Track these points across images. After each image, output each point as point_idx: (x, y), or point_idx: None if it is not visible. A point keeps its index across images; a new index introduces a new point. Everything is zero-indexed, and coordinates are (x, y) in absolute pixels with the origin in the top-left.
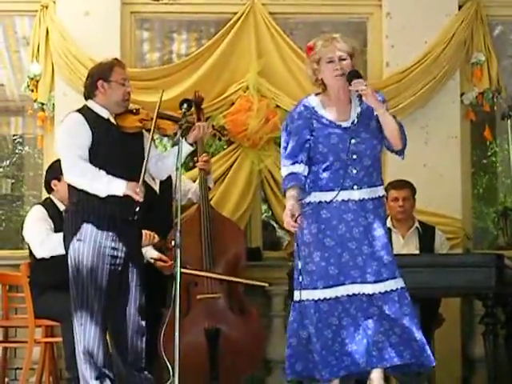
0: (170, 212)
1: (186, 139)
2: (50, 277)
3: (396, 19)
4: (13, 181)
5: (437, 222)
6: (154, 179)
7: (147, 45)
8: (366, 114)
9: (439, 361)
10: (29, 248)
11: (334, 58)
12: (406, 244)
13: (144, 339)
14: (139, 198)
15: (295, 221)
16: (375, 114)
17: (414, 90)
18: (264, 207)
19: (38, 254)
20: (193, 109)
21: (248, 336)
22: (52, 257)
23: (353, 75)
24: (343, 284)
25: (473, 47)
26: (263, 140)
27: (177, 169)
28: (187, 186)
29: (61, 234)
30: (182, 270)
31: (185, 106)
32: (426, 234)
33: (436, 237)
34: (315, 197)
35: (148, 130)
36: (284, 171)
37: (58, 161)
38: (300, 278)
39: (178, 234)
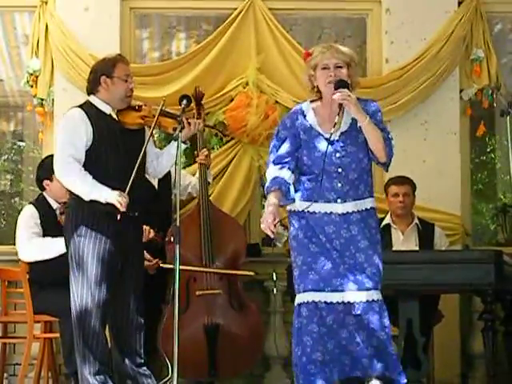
0: (170, 207)
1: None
2: (49, 274)
3: (395, 15)
4: (12, 176)
5: (436, 218)
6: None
7: (146, 40)
8: (356, 125)
9: (438, 357)
10: None
11: (328, 64)
12: (406, 240)
13: (143, 335)
14: (122, 207)
15: (274, 226)
16: (358, 125)
17: (413, 86)
18: (263, 203)
19: (20, 257)
20: (193, 104)
21: (247, 332)
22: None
23: (340, 84)
24: (323, 290)
25: (472, 44)
26: (262, 136)
27: (176, 164)
28: (187, 181)
29: (46, 240)
30: (168, 266)
31: (184, 101)
32: (426, 231)
33: (435, 233)
34: (299, 206)
35: (149, 127)
36: (270, 173)
37: (49, 157)
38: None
39: (177, 230)
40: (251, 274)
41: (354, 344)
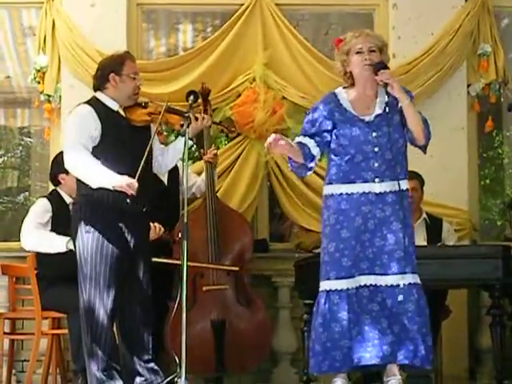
0: (178, 204)
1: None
2: (57, 270)
3: (402, 10)
4: (19, 173)
5: (443, 213)
6: (163, 174)
7: (153, 36)
8: (391, 107)
9: (446, 352)
10: None
11: (363, 48)
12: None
13: (151, 331)
14: (131, 191)
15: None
16: (399, 106)
17: (420, 81)
18: (271, 199)
19: (22, 244)
20: (200, 100)
21: (254, 327)
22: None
23: (380, 66)
24: (353, 276)
25: (479, 38)
26: (270, 132)
27: (183, 160)
28: (191, 181)
29: (50, 234)
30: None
31: (191, 97)
32: (434, 226)
33: (443, 228)
34: (337, 189)
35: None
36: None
37: (62, 153)
38: (321, 269)
39: (184, 226)
40: (236, 269)
41: (376, 330)
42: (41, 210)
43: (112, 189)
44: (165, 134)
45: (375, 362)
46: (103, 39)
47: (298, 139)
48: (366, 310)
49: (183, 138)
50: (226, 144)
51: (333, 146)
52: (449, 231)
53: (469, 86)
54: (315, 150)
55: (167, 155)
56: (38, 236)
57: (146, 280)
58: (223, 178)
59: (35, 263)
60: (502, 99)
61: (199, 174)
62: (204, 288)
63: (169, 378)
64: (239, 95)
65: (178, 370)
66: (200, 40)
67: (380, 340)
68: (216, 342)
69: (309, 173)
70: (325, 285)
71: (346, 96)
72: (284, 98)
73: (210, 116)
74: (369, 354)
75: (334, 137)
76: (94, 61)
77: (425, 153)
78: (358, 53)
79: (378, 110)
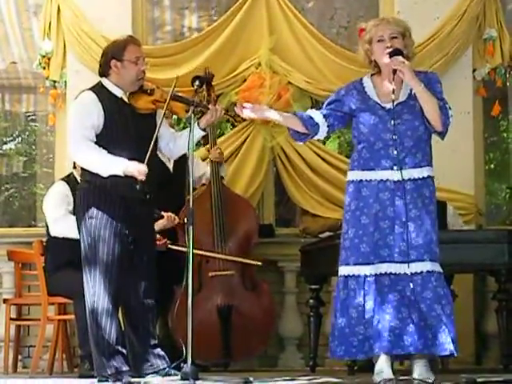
0: (183, 190)
1: (198, 124)
2: (65, 254)
3: None
4: (25, 158)
5: (449, 197)
6: (169, 160)
7: (159, 21)
8: (414, 95)
9: None
10: (46, 225)
11: (384, 35)
12: None
13: (156, 316)
14: (142, 177)
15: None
16: (413, 92)
17: (426, 65)
18: (276, 184)
19: (51, 231)
20: (204, 86)
21: (260, 312)
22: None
23: (394, 52)
24: (372, 263)
25: (485, 23)
26: None
27: (188, 148)
28: (201, 171)
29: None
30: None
31: (197, 82)
32: (438, 210)
33: (448, 212)
34: (357, 175)
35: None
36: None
37: None
38: (340, 255)
39: (190, 212)
40: (259, 264)
41: (397, 320)
42: (63, 192)
43: (123, 175)
44: (171, 121)
45: (396, 353)
46: (108, 24)
47: (310, 111)
48: (387, 299)
49: (195, 129)
50: (231, 129)
51: (355, 133)
52: (454, 215)
53: (474, 70)
54: (320, 119)
55: (180, 141)
56: (67, 222)
57: (150, 265)
58: (229, 163)
59: (41, 249)
60: (508, 84)
61: (205, 159)
62: (210, 273)
63: (175, 364)
64: (245, 80)
65: (184, 356)
66: (205, 25)
67: (400, 330)
68: (222, 328)
69: (307, 138)
70: (343, 270)
71: (371, 84)
72: (289, 82)
73: (214, 101)
74: (390, 343)
75: (354, 125)
76: (99, 46)
77: (442, 139)
78: (379, 41)
79: (403, 97)
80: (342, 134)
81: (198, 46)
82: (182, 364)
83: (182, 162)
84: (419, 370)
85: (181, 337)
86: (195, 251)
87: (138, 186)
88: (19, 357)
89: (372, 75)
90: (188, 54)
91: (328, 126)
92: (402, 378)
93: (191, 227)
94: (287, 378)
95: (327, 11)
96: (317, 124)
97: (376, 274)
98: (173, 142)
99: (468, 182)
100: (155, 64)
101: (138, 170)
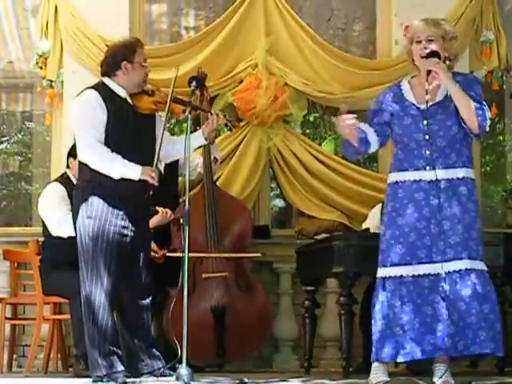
0: (177, 189)
1: (202, 133)
2: (61, 254)
3: None
4: (21, 158)
5: None
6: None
7: (156, 21)
8: (451, 95)
9: None
10: (43, 225)
11: (421, 37)
12: None
13: (151, 317)
14: (155, 182)
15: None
16: (448, 93)
17: None
18: (273, 185)
19: (56, 233)
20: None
21: (255, 313)
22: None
23: (430, 54)
24: (410, 264)
25: (482, 25)
26: (272, 118)
27: (185, 150)
28: (195, 161)
29: None
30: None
31: (194, 83)
32: None
33: None
34: (393, 177)
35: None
36: None
37: None
38: (379, 257)
39: (186, 213)
40: (258, 254)
41: (438, 322)
42: (60, 193)
43: (137, 179)
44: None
45: (437, 355)
46: (106, 25)
47: (361, 125)
48: (428, 300)
49: (197, 139)
50: (229, 131)
51: (393, 135)
52: None
53: (471, 73)
54: (373, 139)
55: (178, 146)
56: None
57: (146, 266)
58: (225, 164)
59: (37, 248)
60: (505, 86)
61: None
62: (203, 275)
63: (170, 364)
64: (241, 81)
65: (179, 356)
66: (203, 24)
67: (442, 331)
68: (216, 329)
69: (357, 156)
70: (381, 272)
71: (408, 86)
72: (286, 84)
73: (208, 101)
74: (432, 346)
75: (393, 126)
76: (96, 46)
77: (479, 140)
78: (417, 42)
79: (439, 98)
80: (339, 135)
81: (194, 46)
82: (176, 364)
83: (173, 162)
84: (440, 373)
85: (175, 338)
86: (191, 254)
87: (150, 192)
88: (14, 356)
89: (412, 77)
90: (185, 54)
91: (380, 143)
92: (399, 378)
93: (187, 228)
94: (282, 379)
95: (324, 12)
96: (368, 143)
97: (414, 276)
98: (171, 146)
99: None
100: (152, 64)
101: (151, 175)
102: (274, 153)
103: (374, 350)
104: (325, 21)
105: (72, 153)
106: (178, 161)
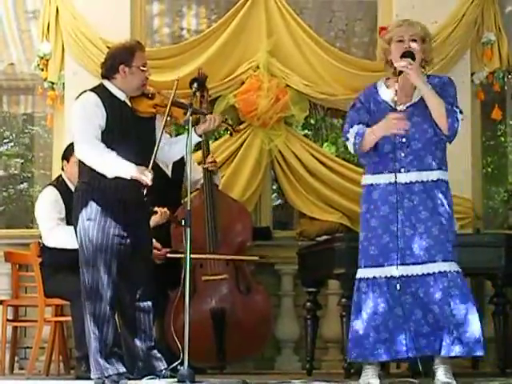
0: (179, 195)
1: (195, 129)
2: (62, 257)
3: None
4: (22, 160)
5: None
6: (167, 165)
7: (157, 22)
8: None
9: None
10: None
11: (404, 36)
12: None
13: (153, 318)
14: (148, 181)
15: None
16: (421, 94)
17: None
18: (274, 186)
19: (45, 242)
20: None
21: (255, 315)
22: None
23: (405, 54)
24: (382, 266)
25: (483, 27)
26: (273, 119)
27: (186, 152)
28: (197, 176)
29: (70, 228)
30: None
31: (195, 85)
32: None
33: None
34: (368, 179)
35: (161, 116)
36: (350, 138)
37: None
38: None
39: (188, 214)
40: (256, 258)
41: (410, 322)
42: (54, 203)
43: (129, 178)
44: (171, 128)
45: (411, 355)
46: (107, 26)
47: (351, 133)
48: (399, 301)
49: (193, 135)
50: (230, 135)
51: None
52: None
53: (473, 74)
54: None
55: (175, 147)
56: (64, 233)
57: (148, 267)
58: (226, 165)
59: (38, 251)
60: (506, 88)
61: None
62: (203, 278)
63: (172, 366)
64: (243, 83)
65: (181, 358)
66: (204, 25)
67: (415, 332)
68: (216, 332)
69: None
70: (357, 273)
71: (384, 86)
72: (288, 85)
73: (208, 102)
74: (405, 346)
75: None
76: (97, 48)
77: (450, 143)
78: (399, 41)
79: (415, 99)
80: (340, 136)
81: (196, 48)
82: (178, 366)
83: (181, 165)
84: (439, 373)
85: (176, 340)
86: (192, 256)
87: (144, 192)
88: (16, 358)
89: (387, 78)
90: (186, 56)
91: None
92: (399, 380)
93: (188, 229)
94: (284, 380)
95: (326, 14)
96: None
97: (386, 277)
98: (168, 147)
99: (465, 186)
100: (153, 66)
101: (144, 174)
102: (276, 154)
103: (347, 349)
104: (326, 22)
105: (66, 155)
106: (183, 164)
